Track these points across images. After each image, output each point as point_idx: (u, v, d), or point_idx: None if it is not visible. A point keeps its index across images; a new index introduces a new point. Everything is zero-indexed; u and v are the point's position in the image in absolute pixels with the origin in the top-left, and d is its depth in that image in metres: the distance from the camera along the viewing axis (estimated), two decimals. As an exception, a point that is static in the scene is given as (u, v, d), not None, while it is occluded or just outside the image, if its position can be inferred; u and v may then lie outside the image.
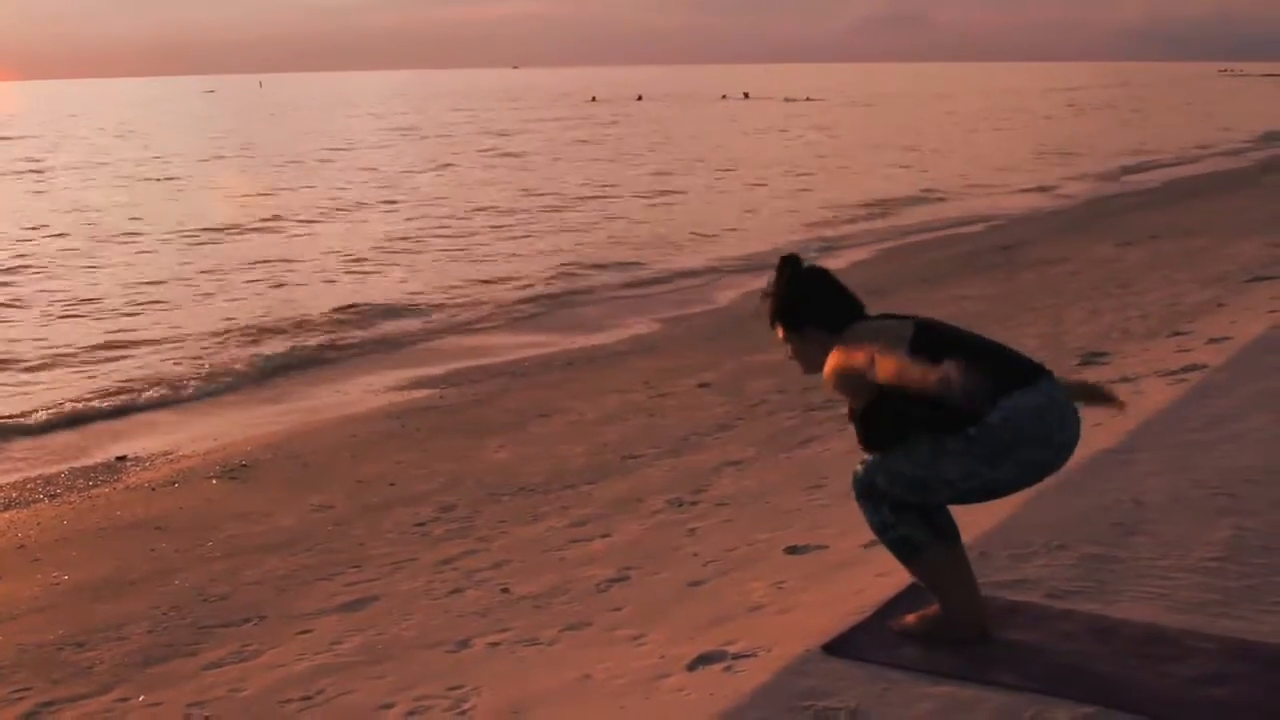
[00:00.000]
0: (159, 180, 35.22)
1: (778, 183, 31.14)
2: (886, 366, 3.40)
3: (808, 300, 3.70)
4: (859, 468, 3.65)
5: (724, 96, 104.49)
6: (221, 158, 43.96)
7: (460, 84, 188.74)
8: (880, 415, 3.52)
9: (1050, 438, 3.48)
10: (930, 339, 3.51)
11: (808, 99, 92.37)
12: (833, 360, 3.53)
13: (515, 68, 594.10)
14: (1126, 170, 32.45)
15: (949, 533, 3.67)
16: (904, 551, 3.63)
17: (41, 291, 17.07)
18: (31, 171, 39.06)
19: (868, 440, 3.59)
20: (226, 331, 14.08)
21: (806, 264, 3.79)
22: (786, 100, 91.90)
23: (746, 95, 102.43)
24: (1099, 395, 3.78)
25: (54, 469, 9.15)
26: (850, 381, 3.51)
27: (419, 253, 20.45)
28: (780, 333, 3.76)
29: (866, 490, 3.61)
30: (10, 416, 10.69)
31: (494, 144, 49.24)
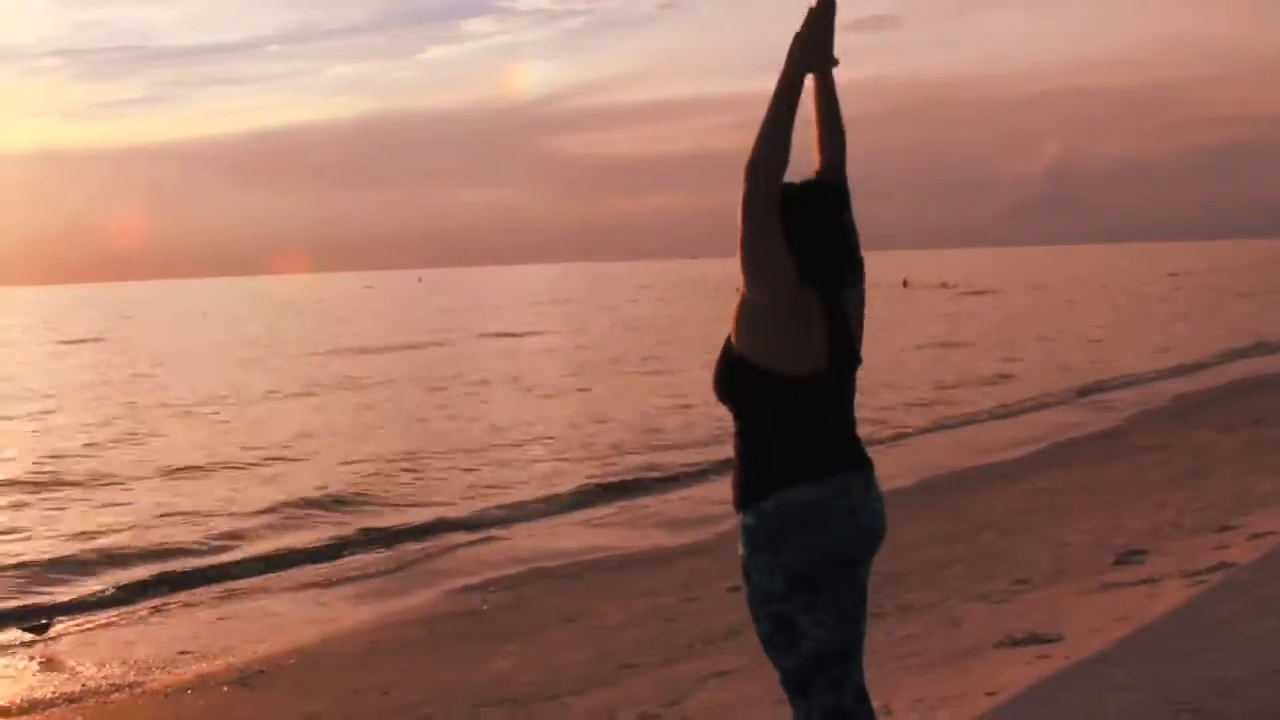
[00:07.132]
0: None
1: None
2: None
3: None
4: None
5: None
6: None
7: (641, 276, 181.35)
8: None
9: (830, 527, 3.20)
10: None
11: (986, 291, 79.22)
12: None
13: (693, 258, 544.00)
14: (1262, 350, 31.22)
15: None
16: None
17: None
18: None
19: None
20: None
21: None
22: (944, 285, 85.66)
23: (906, 283, 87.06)
24: None
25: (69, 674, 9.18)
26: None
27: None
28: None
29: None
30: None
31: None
